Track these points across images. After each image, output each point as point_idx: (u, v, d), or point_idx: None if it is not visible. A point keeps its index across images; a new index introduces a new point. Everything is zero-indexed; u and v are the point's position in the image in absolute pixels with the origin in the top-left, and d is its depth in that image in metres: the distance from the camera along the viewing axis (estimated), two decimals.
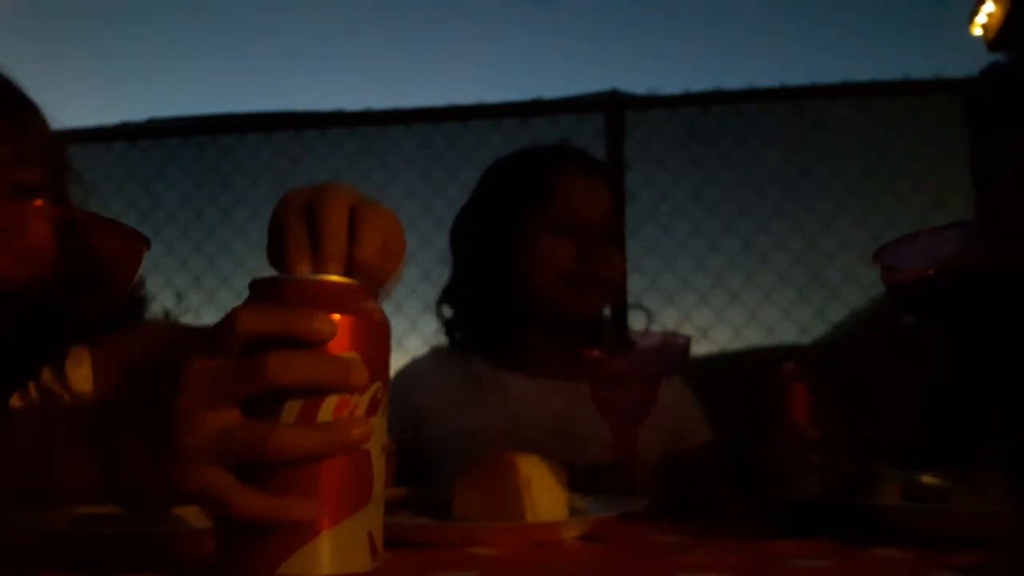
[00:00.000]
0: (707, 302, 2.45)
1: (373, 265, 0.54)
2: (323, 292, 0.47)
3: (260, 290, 0.48)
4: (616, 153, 2.53)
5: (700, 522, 0.82)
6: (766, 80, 2.59)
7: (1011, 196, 0.95)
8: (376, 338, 0.49)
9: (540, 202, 1.25)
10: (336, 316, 0.46)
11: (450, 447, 1.23)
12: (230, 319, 0.45)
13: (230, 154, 2.81)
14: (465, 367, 1.29)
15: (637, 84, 2.63)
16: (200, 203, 2.82)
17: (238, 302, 0.49)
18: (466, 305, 1.33)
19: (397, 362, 1.38)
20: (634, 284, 2.37)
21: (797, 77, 2.60)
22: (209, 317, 2.72)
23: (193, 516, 0.63)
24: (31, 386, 0.80)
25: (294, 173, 2.75)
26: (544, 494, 0.71)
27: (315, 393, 0.45)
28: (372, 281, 0.53)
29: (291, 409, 0.45)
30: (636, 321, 1.41)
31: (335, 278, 0.49)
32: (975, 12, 3.07)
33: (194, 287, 2.77)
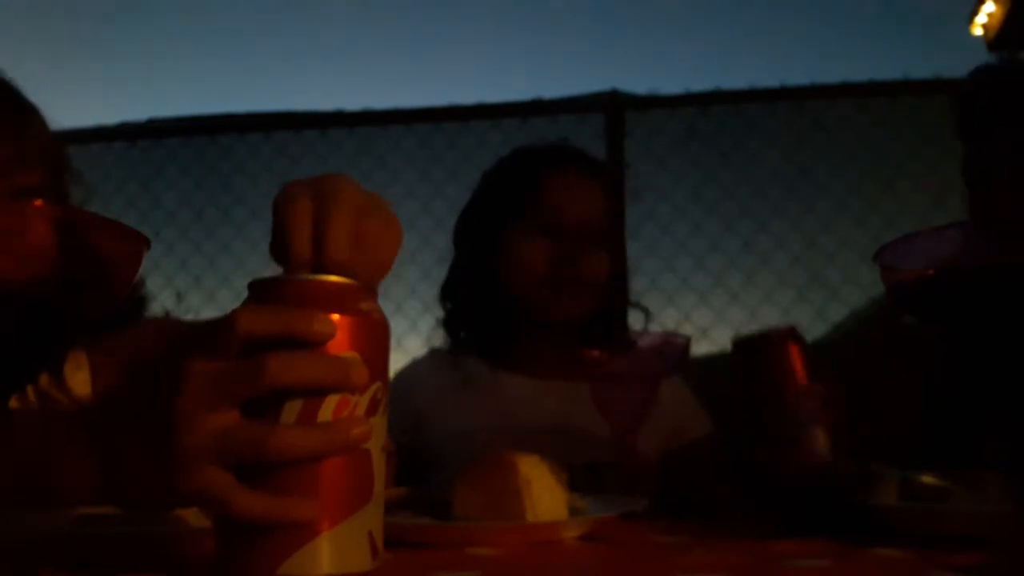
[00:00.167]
0: (707, 302, 2.45)
1: (368, 277, 0.54)
2: (322, 292, 0.47)
3: (259, 290, 0.48)
4: (616, 153, 2.53)
5: (700, 522, 0.82)
6: (766, 80, 2.59)
7: (1006, 196, 0.96)
8: (376, 338, 0.49)
9: (523, 203, 1.25)
10: (335, 316, 0.46)
11: (448, 447, 1.23)
12: (230, 320, 0.45)
13: (230, 154, 2.81)
14: (462, 367, 1.30)
15: (637, 84, 2.64)
16: (200, 203, 2.82)
17: (238, 302, 0.49)
18: (461, 304, 1.33)
19: (397, 362, 1.38)
20: (634, 284, 2.37)
21: (797, 77, 2.60)
22: (209, 317, 2.72)
23: (193, 516, 0.63)
24: (29, 390, 0.80)
25: (294, 173, 2.72)
26: (544, 494, 0.71)
27: (315, 393, 0.45)
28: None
29: (291, 409, 0.45)
30: (635, 321, 1.40)
31: (334, 278, 0.49)
32: (975, 12, 3.07)
33: (194, 287, 2.77)
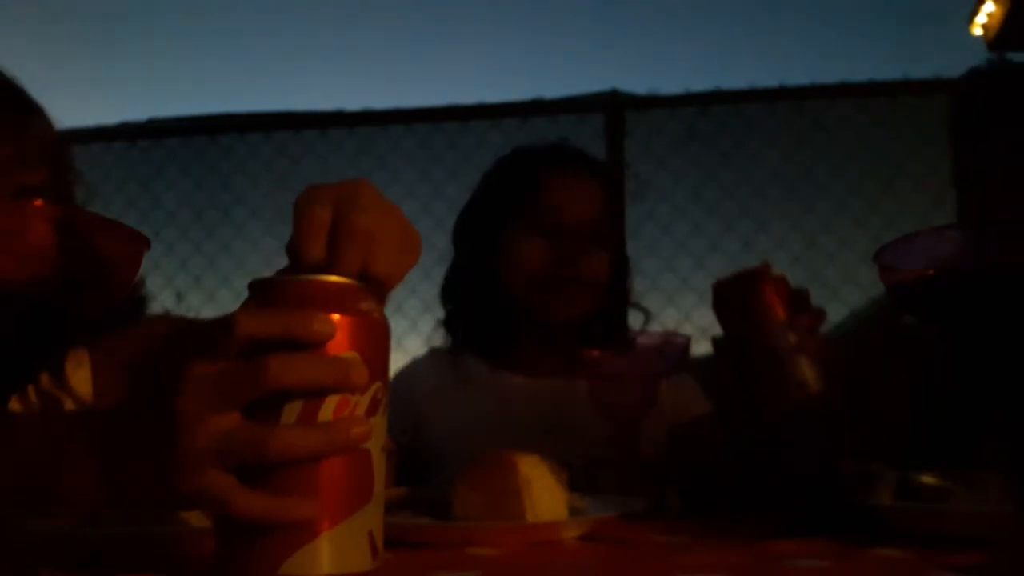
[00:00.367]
0: (707, 302, 2.44)
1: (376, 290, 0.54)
2: (322, 292, 0.47)
3: (260, 290, 0.48)
4: (616, 153, 2.53)
5: (700, 522, 0.82)
6: (766, 80, 2.59)
7: (999, 197, 0.96)
8: (376, 338, 0.49)
9: (522, 202, 1.25)
10: (335, 316, 0.46)
11: (447, 446, 1.24)
12: (229, 322, 0.45)
13: (230, 154, 2.82)
14: (461, 367, 1.30)
15: (637, 84, 2.63)
16: (200, 203, 2.82)
17: (238, 302, 0.49)
18: (460, 304, 1.33)
19: (397, 362, 1.38)
20: (634, 284, 2.37)
21: (797, 77, 2.60)
22: (209, 317, 2.72)
23: (193, 516, 0.63)
24: (31, 390, 0.80)
25: (294, 173, 2.75)
26: (544, 494, 0.71)
27: (315, 394, 0.45)
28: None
29: (291, 410, 0.45)
30: (635, 321, 1.40)
31: (334, 278, 0.49)
32: (975, 12, 3.07)
33: (194, 287, 2.77)
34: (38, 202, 0.70)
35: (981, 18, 3.06)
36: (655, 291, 2.46)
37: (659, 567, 0.60)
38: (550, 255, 1.22)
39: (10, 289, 0.43)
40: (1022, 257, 0.48)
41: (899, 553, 0.61)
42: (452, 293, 1.34)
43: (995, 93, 1.04)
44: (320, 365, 0.45)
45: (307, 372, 0.45)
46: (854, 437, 0.97)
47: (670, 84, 2.65)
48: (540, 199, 1.25)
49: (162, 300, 2.70)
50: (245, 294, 0.49)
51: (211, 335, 0.46)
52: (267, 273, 0.52)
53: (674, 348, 1.05)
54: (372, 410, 0.47)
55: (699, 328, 2.49)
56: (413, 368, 1.37)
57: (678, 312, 2.46)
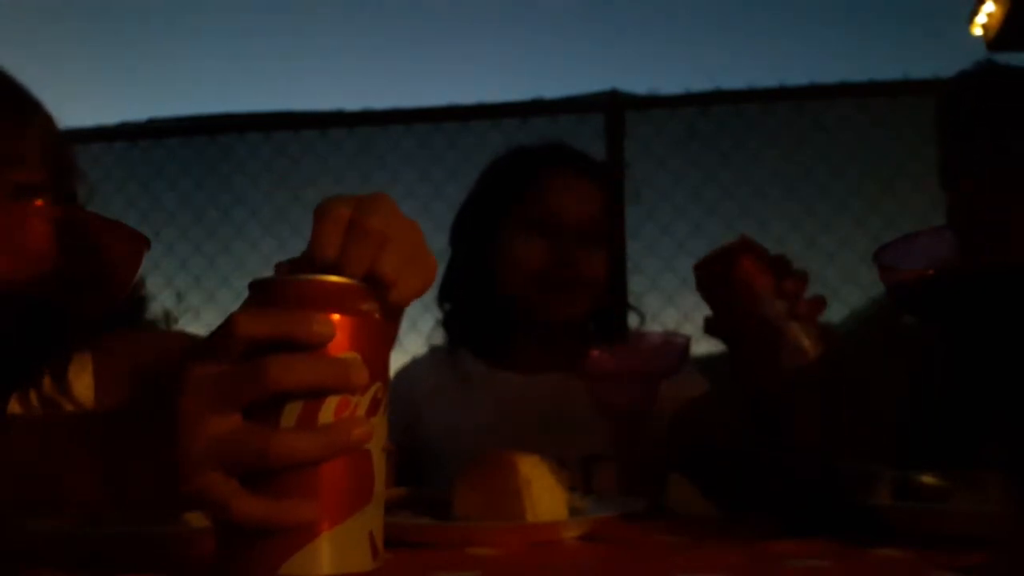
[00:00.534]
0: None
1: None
2: (322, 292, 0.47)
3: (260, 290, 0.48)
4: (616, 153, 2.53)
5: (700, 522, 0.82)
6: (766, 80, 2.60)
7: (987, 198, 0.96)
8: (376, 338, 0.49)
9: (521, 202, 1.25)
10: (336, 316, 0.46)
11: (445, 445, 1.24)
12: (229, 323, 0.45)
13: (230, 154, 2.81)
14: (460, 366, 1.30)
15: (637, 84, 2.65)
16: (200, 203, 2.82)
17: (238, 302, 0.49)
18: (457, 303, 1.33)
19: (397, 362, 1.38)
20: (634, 284, 2.37)
21: (797, 77, 2.60)
22: (209, 317, 2.72)
23: (193, 516, 0.63)
24: (32, 394, 0.80)
25: (294, 173, 2.75)
26: (544, 494, 0.71)
27: (315, 395, 0.45)
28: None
29: (292, 411, 0.45)
30: (630, 322, 1.41)
31: (334, 278, 0.49)
32: (975, 12, 3.07)
33: (194, 287, 2.77)
34: (38, 202, 0.70)
35: (981, 18, 3.06)
36: (655, 291, 2.46)
37: (659, 567, 0.60)
38: (548, 255, 1.22)
39: (10, 289, 0.43)
40: (1020, 257, 0.48)
41: (899, 553, 0.61)
42: (450, 292, 1.34)
43: (983, 95, 1.04)
44: (320, 366, 0.45)
45: (307, 373, 0.45)
46: (854, 437, 0.97)
47: (670, 84, 2.65)
48: (539, 199, 1.25)
49: (162, 300, 2.70)
50: (245, 294, 0.49)
51: (212, 338, 0.46)
52: (267, 273, 0.52)
53: (674, 348, 1.05)
54: (372, 410, 0.47)
55: (699, 328, 2.49)
56: (412, 367, 1.37)
57: (678, 312, 2.46)
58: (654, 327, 1.46)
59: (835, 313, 2.40)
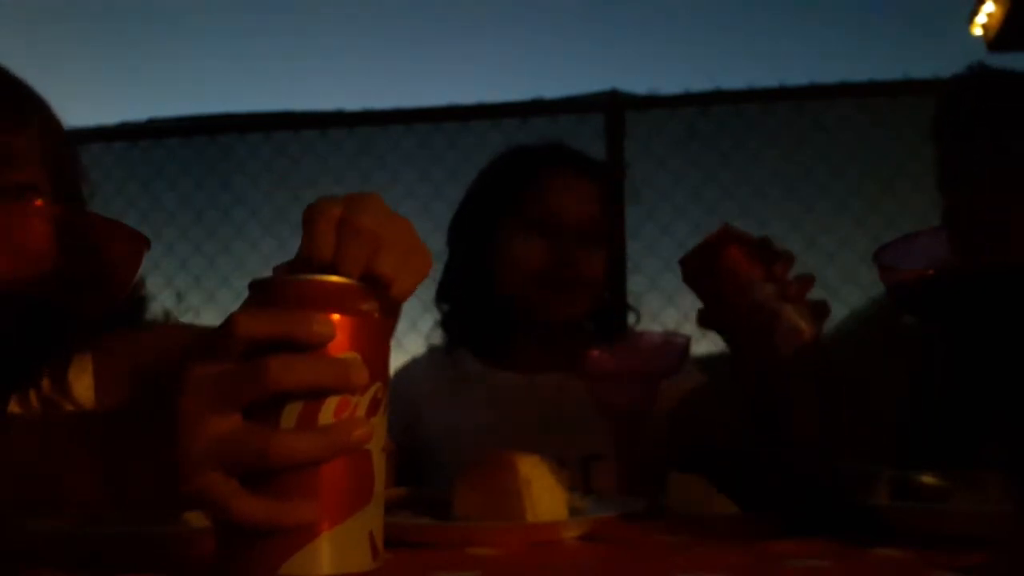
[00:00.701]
0: None
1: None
2: (322, 292, 0.47)
3: (260, 290, 0.48)
4: (616, 153, 2.53)
5: (700, 522, 0.82)
6: (766, 80, 2.59)
7: (987, 198, 0.96)
8: (376, 338, 0.49)
9: (520, 202, 1.25)
10: (335, 316, 0.46)
11: (444, 444, 1.24)
12: (230, 323, 0.45)
13: (230, 154, 2.82)
14: (457, 365, 1.30)
15: (637, 84, 2.63)
16: (200, 203, 2.82)
17: (238, 302, 0.49)
18: (455, 303, 1.33)
19: (397, 362, 1.38)
20: (634, 284, 2.37)
21: (797, 77, 2.60)
22: (209, 317, 2.72)
23: (193, 516, 0.63)
24: (32, 395, 0.80)
25: (294, 173, 2.75)
26: (544, 494, 0.71)
27: (315, 395, 0.45)
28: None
29: (292, 411, 0.45)
30: (629, 321, 1.41)
31: (334, 278, 0.49)
32: (975, 12, 3.07)
33: (194, 287, 2.77)
34: (38, 202, 0.70)
35: (981, 18, 3.06)
36: (655, 291, 2.46)
37: (659, 567, 0.60)
38: (548, 255, 1.22)
39: (10, 289, 0.43)
40: (1019, 257, 0.48)
41: (899, 553, 0.61)
42: (448, 293, 1.34)
43: (979, 98, 1.05)
44: (320, 366, 0.45)
45: (307, 373, 0.45)
46: (854, 437, 0.97)
47: (670, 84, 2.64)
48: (538, 199, 1.25)
49: (162, 300, 2.70)
50: (245, 294, 0.49)
51: (212, 337, 0.46)
52: (267, 273, 0.52)
53: (674, 348, 1.05)
54: (372, 410, 0.47)
55: (700, 329, 2.50)
56: (412, 367, 1.37)
57: (678, 312, 2.46)
58: (654, 327, 1.46)
59: (835, 313, 2.40)
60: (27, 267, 0.44)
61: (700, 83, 2.62)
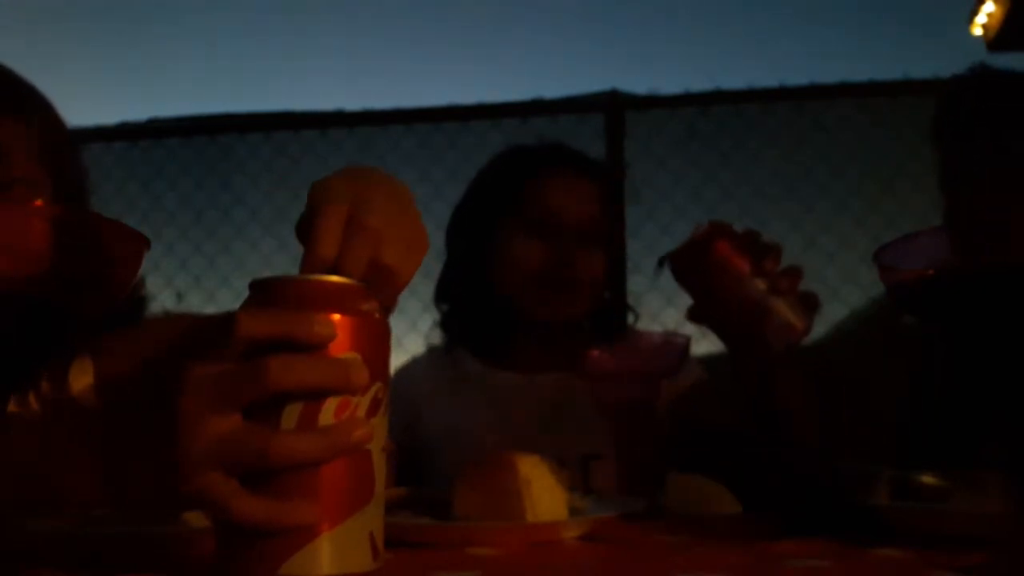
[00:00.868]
0: None
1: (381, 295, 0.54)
2: (323, 292, 0.47)
3: (260, 290, 0.48)
4: (616, 153, 2.53)
5: (700, 522, 0.82)
6: (766, 80, 2.59)
7: (986, 199, 0.96)
8: (376, 338, 0.49)
9: (519, 202, 1.25)
10: (336, 316, 0.46)
11: (443, 444, 1.24)
12: (231, 322, 0.45)
13: (230, 154, 2.81)
14: (455, 365, 1.30)
15: (637, 84, 2.63)
16: (200, 203, 2.82)
17: (238, 302, 0.49)
18: (454, 302, 1.33)
19: (397, 362, 1.38)
20: (634, 284, 2.37)
21: (797, 77, 2.60)
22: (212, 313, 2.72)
23: (193, 516, 0.63)
24: (31, 396, 0.80)
25: (294, 173, 2.75)
26: (544, 494, 0.71)
27: (316, 395, 0.45)
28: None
29: (292, 412, 0.45)
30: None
31: (335, 278, 0.49)
32: (975, 12, 3.07)
33: (194, 287, 2.77)
34: (38, 202, 0.70)
35: (981, 18, 3.05)
36: (655, 291, 2.46)
37: (659, 567, 0.60)
38: (547, 255, 1.22)
39: (10, 289, 0.43)
40: (1019, 257, 0.48)
41: (899, 553, 0.61)
42: (447, 292, 1.34)
43: (979, 98, 1.05)
44: (321, 367, 0.45)
45: (308, 374, 0.45)
46: (854, 437, 0.97)
47: (670, 84, 2.64)
48: (537, 199, 1.25)
49: (162, 300, 2.70)
50: (245, 294, 0.49)
51: (212, 336, 0.46)
52: (267, 273, 0.52)
53: (674, 348, 1.05)
54: (373, 411, 0.47)
55: (699, 328, 2.50)
56: (412, 367, 1.37)
57: (678, 312, 2.46)
58: (654, 327, 1.46)
59: (835, 313, 2.40)
60: (27, 267, 0.44)
61: (700, 83, 2.61)
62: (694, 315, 0.93)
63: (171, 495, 0.45)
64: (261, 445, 0.44)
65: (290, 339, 0.45)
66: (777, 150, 2.58)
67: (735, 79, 2.64)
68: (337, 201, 0.54)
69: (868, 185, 2.52)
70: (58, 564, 0.56)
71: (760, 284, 0.84)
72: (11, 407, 0.52)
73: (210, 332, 0.46)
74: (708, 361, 1.31)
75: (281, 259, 2.46)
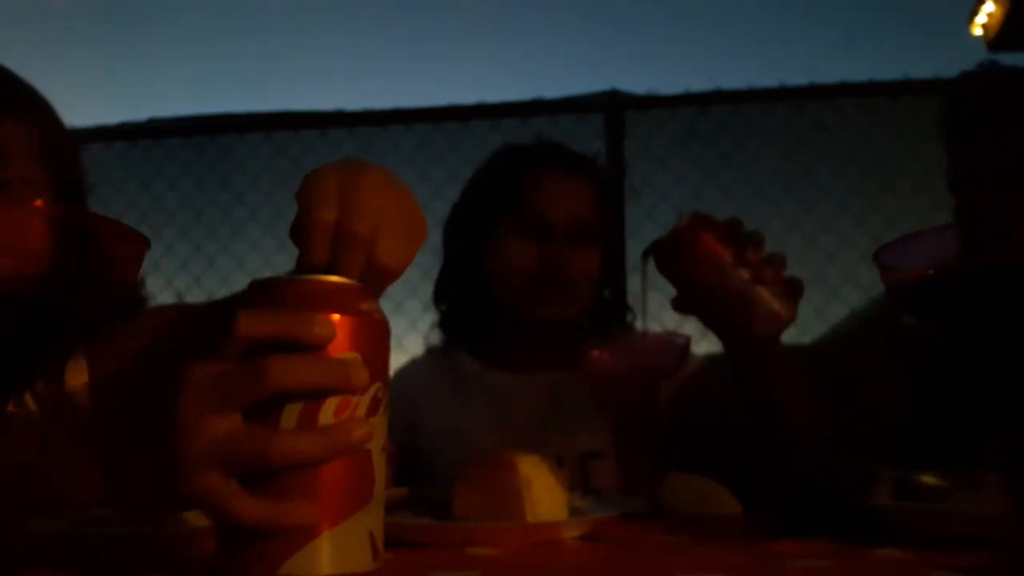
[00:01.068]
0: None
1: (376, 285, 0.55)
2: (323, 292, 0.47)
3: (260, 290, 0.48)
4: (616, 153, 2.53)
5: (700, 522, 0.82)
6: (766, 80, 2.59)
7: (992, 197, 0.96)
8: (376, 338, 0.49)
9: (511, 202, 1.25)
10: (336, 317, 0.46)
11: (443, 445, 1.24)
12: (231, 322, 0.45)
13: (230, 154, 2.81)
14: (454, 365, 1.30)
15: (637, 84, 2.63)
16: (200, 203, 2.82)
17: None
18: (452, 303, 1.33)
19: (397, 362, 1.38)
20: (634, 284, 2.37)
21: (797, 77, 2.60)
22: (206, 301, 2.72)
23: (193, 516, 0.63)
24: (28, 397, 0.80)
25: (294, 173, 2.74)
26: (544, 494, 0.71)
27: (316, 395, 0.45)
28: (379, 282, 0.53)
29: (292, 412, 0.45)
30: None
31: (335, 278, 0.49)
32: (975, 12, 3.07)
33: (194, 287, 2.77)
34: (38, 202, 0.70)
35: (981, 18, 3.05)
36: (655, 291, 2.45)
37: (659, 567, 0.60)
38: (541, 255, 1.22)
39: (10, 289, 0.43)
40: (1021, 257, 0.48)
41: (899, 553, 0.61)
42: (445, 293, 1.34)
43: (986, 95, 1.05)
44: (320, 367, 0.45)
45: (307, 374, 0.45)
46: (854, 437, 0.97)
47: (670, 84, 2.64)
48: (528, 199, 1.24)
49: (162, 300, 2.70)
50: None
51: (212, 335, 0.46)
52: (267, 273, 0.52)
53: (674, 347, 1.05)
54: (372, 411, 0.47)
55: (699, 328, 2.49)
56: (412, 367, 1.37)
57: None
58: (654, 327, 1.46)
59: (835, 313, 2.40)
60: (27, 267, 0.44)
61: (700, 83, 2.61)
62: (679, 306, 0.93)
63: (171, 495, 0.45)
64: (261, 445, 0.44)
65: (290, 339, 0.45)
66: (777, 150, 2.58)
67: (735, 79, 2.64)
68: (325, 204, 0.54)
69: (868, 185, 2.52)
70: (58, 564, 0.56)
71: (744, 273, 0.84)
72: (9, 407, 0.52)
73: (209, 330, 0.46)
74: (708, 361, 1.31)
75: (281, 259, 2.46)
